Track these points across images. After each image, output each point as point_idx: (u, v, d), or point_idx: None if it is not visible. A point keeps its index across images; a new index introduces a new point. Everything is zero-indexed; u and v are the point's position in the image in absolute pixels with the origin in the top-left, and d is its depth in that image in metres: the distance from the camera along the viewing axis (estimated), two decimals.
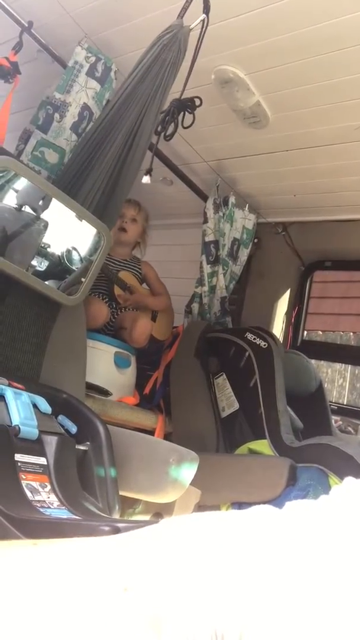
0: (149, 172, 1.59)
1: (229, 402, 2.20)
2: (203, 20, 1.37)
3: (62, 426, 1.20)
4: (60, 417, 1.21)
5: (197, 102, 1.63)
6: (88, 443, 1.17)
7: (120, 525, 0.82)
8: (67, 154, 1.76)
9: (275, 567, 0.33)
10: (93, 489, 1.11)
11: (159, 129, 1.58)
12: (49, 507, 0.95)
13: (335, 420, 2.72)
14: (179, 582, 0.34)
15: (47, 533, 0.84)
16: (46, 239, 1.49)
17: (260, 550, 0.34)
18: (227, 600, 0.32)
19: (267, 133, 2.02)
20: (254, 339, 2.22)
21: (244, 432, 2.11)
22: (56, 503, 0.97)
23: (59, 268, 1.60)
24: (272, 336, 2.31)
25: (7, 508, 0.85)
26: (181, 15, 1.39)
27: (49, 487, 1.00)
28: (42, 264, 1.53)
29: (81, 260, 1.62)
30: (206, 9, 1.36)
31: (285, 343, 2.75)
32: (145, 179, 1.58)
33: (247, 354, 2.20)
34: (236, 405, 2.17)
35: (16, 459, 0.98)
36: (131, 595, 0.34)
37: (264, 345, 2.18)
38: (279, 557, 0.33)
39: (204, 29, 1.39)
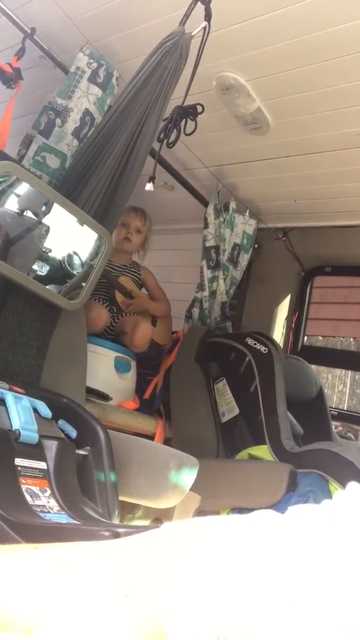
0: (152, 179, 1.60)
1: (229, 407, 2.20)
2: (204, 28, 1.38)
3: (62, 431, 1.19)
4: (61, 422, 1.21)
5: (199, 109, 1.63)
6: (88, 448, 1.17)
7: (120, 530, 0.82)
8: (69, 159, 1.76)
9: (278, 571, 0.33)
10: (93, 493, 1.11)
11: (162, 135, 1.58)
12: (48, 512, 0.94)
13: (336, 426, 2.72)
14: (180, 587, 0.33)
15: (46, 537, 0.84)
16: (47, 243, 1.50)
17: (263, 554, 0.34)
18: (229, 605, 0.32)
19: (267, 139, 2.03)
20: (254, 344, 2.22)
21: (244, 437, 2.11)
22: (56, 508, 0.97)
23: (60, 272, 1.60)
24: (273, 341, 2.31)
25: (7, 512, 0.85)
26: (183, 22, 1.39)
27: (48, 491, 1.00)
28: (43, 268, 1.53)
29: (82, 264, 1.63)
30: (208, 17, 1.37)
31: (285, 348, 2.75)
32: (149, 187, 1.59)
33: (247, 359, 2.20)
34: (236, 411, 2.17)
35: (16, 463, 0.98)
36: (132, 600, 0.34)
37: (264, 350, 2.18)
38: (281, 562, 0.33)
39: (205, 36, 1.40)
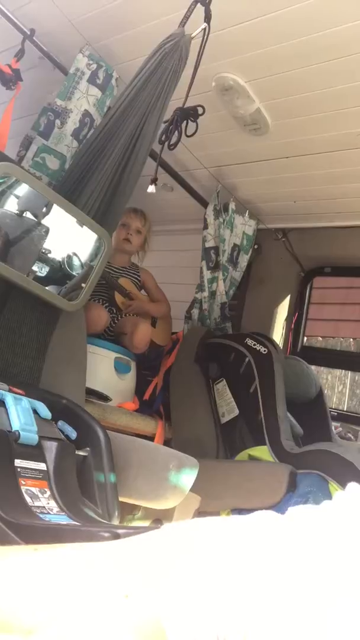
0: (154, 181, 1.59)
1: (229, 407, 2.20)
2: (204, 29, 1.38)
3: (62, 432, 1.19)
4: (60, 423, 1.21)
5: (200, 110, 1.64)
6: (88, 449, 1.17)
7: (120, 531, 0.82)
8: (68, 160, 1.77)
9: (278, 572, 0.33)
10: (92, 494, 1.11)
11: (163, 137, 1.58)
12: (48, 513, 0.94)
13: (335, 427, 2.72)
14: (181, 587, 0.33)
15: (46, 539, 0.84)
16: (47, 244, 1.50)
17: (262, 555, 0.34)
18: (229, 606, 0.32)
19: (267, 140, 2.03)
20: (254, 344, 2.22)
21: (244, 438, 2.11)
22: (55, 509, 0.97)
23: (59, 273, 1.60)
24: (272, 342, 2.31)
25: (7, 513, 0.85)
26: (182, 23, 1.39)
27: (48, 492, 1.00)
28: (43, 269, 1.53)
29: (82, 265, 1.63)
30: (207, 18, 1.37)
31: (285, 349, 2.75)
32: (151, 189, 1.58)
33: (247, 359, 2.20)
34: (236, 411, 2.17)
35: (16, 464, 0.98)
36: (132, 601, 0.34)
37: (264, 351, 2.18)
38: (281, 563, 0.33)
39: (205, 37, 1.40)
